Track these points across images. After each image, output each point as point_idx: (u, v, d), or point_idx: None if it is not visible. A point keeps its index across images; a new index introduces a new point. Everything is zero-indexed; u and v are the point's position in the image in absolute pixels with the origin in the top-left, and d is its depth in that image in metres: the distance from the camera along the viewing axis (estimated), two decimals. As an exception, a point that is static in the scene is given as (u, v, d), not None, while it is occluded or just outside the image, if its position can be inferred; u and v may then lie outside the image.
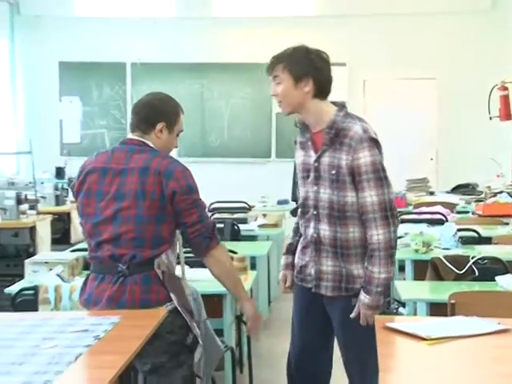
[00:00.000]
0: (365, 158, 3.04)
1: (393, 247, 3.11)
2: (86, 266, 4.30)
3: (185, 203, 3.03)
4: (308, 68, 3.12)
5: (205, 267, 4.04)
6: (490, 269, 4.15)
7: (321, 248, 3.22)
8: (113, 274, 3.01)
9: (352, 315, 3.14)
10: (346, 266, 3.17)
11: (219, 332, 3.82)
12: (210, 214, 6.96)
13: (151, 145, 3.14)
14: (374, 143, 3.07)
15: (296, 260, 3.38)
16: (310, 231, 3.25)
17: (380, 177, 3.06)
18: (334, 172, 3.10)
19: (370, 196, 3.05)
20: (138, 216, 3.02)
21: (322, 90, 3.16)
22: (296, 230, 3.47)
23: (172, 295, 3.02)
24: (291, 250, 3.45)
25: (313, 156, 3.20)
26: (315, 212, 3.21)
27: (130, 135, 3.21)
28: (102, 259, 3.05)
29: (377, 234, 3.06)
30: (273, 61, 3.17)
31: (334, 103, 3.21)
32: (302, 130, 3.30)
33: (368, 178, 3.06)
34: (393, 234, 3.09)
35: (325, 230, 3.18)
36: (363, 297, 3.12)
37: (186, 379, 3.07)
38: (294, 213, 6.46)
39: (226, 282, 3.22)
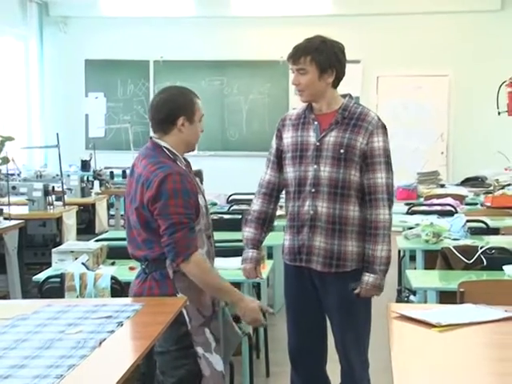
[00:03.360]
0: (379, 142, 3.21)
1: (391, 228, 3.28)
2: (110, 255, 4.50)
3: (155, 212, 2.94)
4: (333, 61, 3.20)
5: (224, 256, 4.15)
6: (498, 258, 4.22)
7: (316, 225, 3.25)
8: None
9: (356, 291, 3.23)
10: (341, 242, 3.24)
11: (237, 318, 3.83)
12: (228, 206, 7.04)
13: (167, 146, 3.06)
14: (386, 131, 3.26)
15: (288, 242, 3.38)
16: (305, 209, 3.27)
17: (389, 162, 3.26)
18: (342, 151, 3.21)
19: (381, 178, 3.22)
20: (133, 220, 3.05)
21: (340, 80, 3.29)
22: (262, 219, 3.45)
23: (180, 296, 2.99)
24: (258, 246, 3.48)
25: (313, 135, 3.27)
26: (313, 190, 3.25)
27: (152, 134, 3.15)
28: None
29: (383, 214, 3.22)
30: (299, 52, 3.18)
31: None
32: (301, 111, 3.35)
33: (380, 161, 3.22)
34: (392, 216, 3.28)
35: (322, 206, 3.24)
36: (367, 277, 3.23)
37: (190, 373, 3.03)
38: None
39: (206, 291, 3.05)
